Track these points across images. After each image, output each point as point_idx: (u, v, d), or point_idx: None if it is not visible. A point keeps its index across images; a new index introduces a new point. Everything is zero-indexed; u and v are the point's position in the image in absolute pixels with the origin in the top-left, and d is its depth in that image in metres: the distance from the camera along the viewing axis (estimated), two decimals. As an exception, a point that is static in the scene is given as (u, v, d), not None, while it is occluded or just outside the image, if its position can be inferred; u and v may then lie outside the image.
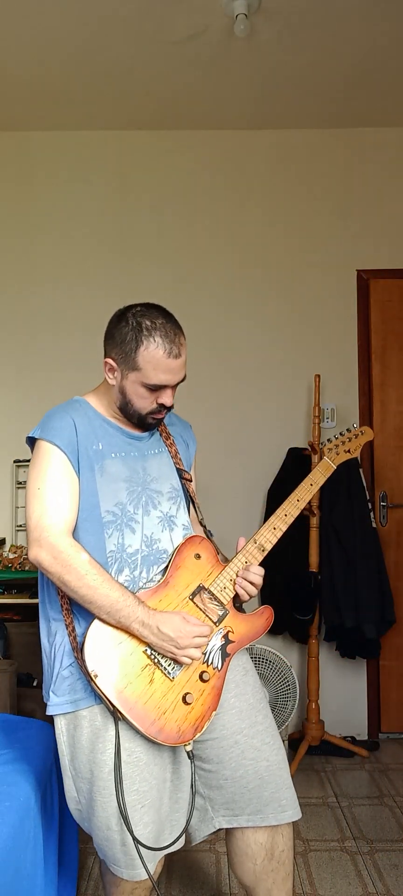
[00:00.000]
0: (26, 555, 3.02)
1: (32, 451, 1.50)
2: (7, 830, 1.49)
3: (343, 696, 3.29)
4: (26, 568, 2.96)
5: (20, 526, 3.30)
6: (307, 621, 3.02)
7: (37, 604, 3.04)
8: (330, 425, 3.34)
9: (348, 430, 1.87)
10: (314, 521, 3.05)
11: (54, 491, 1.41)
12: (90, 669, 1.35)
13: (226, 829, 1.52)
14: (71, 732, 1.44)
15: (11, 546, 3.19)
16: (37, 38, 2.73)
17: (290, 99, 3.20)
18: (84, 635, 1.39)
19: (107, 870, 1.52)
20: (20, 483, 3.32)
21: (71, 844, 1.97)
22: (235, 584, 1.50)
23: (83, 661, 1.36)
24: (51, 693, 1.45)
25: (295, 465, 3.21)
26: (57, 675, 1.44)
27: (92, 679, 1.34)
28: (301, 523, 3.13)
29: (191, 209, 3.45)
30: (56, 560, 1.36)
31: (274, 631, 3.24)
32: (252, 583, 1.49)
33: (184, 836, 1.46)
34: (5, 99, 3.16)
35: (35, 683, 2.64)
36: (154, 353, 1.43)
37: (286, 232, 3.44)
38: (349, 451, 1.84)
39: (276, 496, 3.27)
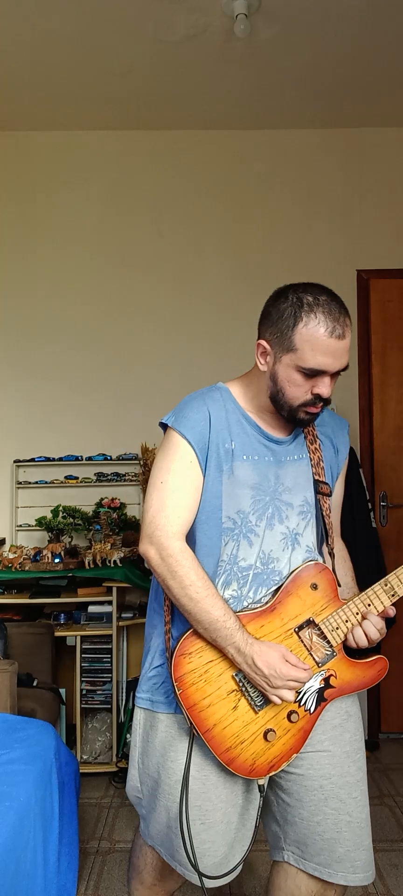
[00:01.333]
0: (26, 554, 3.03)
1: (164, 436, 1.40)
2: (7, 831, 1.49)
3: (343, 696, 3.28)
4: (26, 568, 2.96)
5: (20, 526, 3.30)
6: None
7: (36, 604, 3.05)
8: (330, 425, 3.33)
9: None
10: (314, 521, 3.05)
11: (176, 489, 1.31)
12: (175, 678, 1.29)
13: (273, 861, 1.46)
14: (147, 729, 1.41)
15: (11, 546, 3.19)
16: (37, 38, 2.73)
17: (290, 99, 3.20)
18: (177, 641, 1.32)
19: (136, 854, 1.52)
20: (20, 483, 3.32)
21: (71, 844, 1.97)
22: (349, 627, 1.34)
23: (171, 668, 1.31)
24: (139, 686, 1.44)
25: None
26: (145, 671, 1.42)
27: (175, 689, 1.30)
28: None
29: (190, 209, 3.45)
30: (163, 562, 1.29)
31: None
32: (367, 634, 1.33)
33: (241, 865, 1.40)
34: (5, 99, 3.16)
35: (35, 683, 2.64)
36: (314, 332, 1.24)
37: (286, 232, 3.44)
38: None
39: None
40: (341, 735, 1.38)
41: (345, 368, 1.30)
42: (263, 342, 1.35)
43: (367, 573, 3.19)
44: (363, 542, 3.06)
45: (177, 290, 3.39)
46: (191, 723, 1.29)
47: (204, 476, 1.33)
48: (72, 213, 3.44)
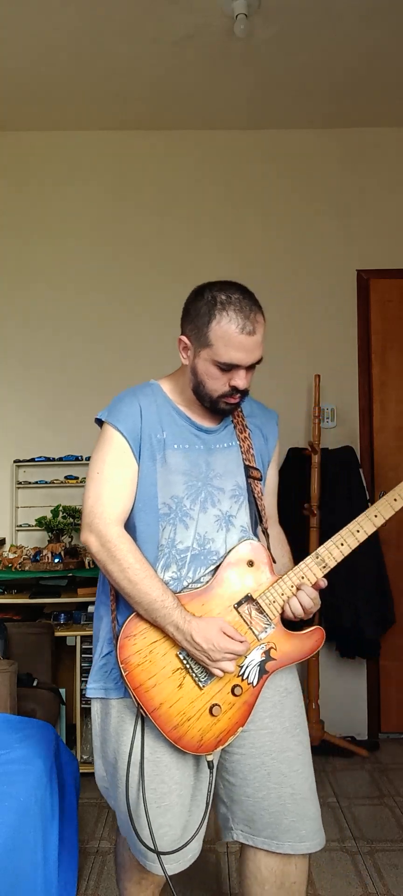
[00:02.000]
0: (26, 554, 3.03)
1: (100, 431, 1.48)
2: (7, 831, 1.49)
3: (343, 696, 3.29)
4: (26, 568, 2.96)
5: (20, 526, 3.30)
6: (307, 621, 3.02)
7: (36, 604, 3.05)
8: (330, 425, 3.34)
9: None
10: (314, 521, 3.05)
11: (112, 478, 1.39)
12: (121, 661, 1.34)
13: (241, 847, 1.50)
14: (103, 717, 1.46)
15: (11, 546, 3.19)
16: (37, 38, 2.73)
17: (290, 99, 3.20)
18: (122, 625, 1.38)
19: (120, 852, 1.54)
20: (20, 483, 3.32)
21: (71, 844, 1.97)
22: (286, 600, 1.40)
23: (116, 652, 1.36)
24: (90, 677, 1.48)
25: (296, 466, 3.21)
26: (96, 661, 1.47)
27: (121, 671, 1.34)
28: (301, 523, 3.15)
29: (190, 209, 3.45)
30: (103, 548, 1.36)
31: (274, 631, 3.24)
32: (302, 604, 1.39)
33: (199, 844, 1.44)
34: (5, 99, 3.16)
35: (35, 683, 2.64)
36: (226, 328, 1.35)
37: (285, 232, 3.44)
38: None
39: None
40: (281, 712, 1.45)
41: (259, 362, 1.41)
42: (184, 338, 1.44)
43: (367, 573, 3.22)
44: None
45: (177, 290, 3.35)
46: (138, 703, 1.33)
47: (138, 465, 1.41)
48: (72, 213, 3.44)
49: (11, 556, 3.05)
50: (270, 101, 3.22)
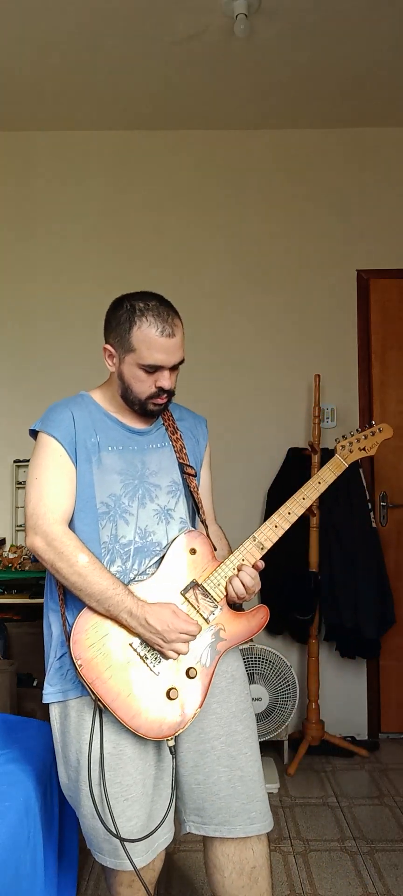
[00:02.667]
0: (26, 554, 3.03)
1: (35, 443, 1.54)
2: (7, 830, 1.49)
3: (343, 696, 3.29)
4: (26, 568, 2.96)
5: (20, 526, 3.31)
6: (307, 621, 3.02)
7: (37, 604, 3.05)
8: (330, 425, 3.34)
9: (366, 426, 1.77)
10: (314, 521, 3.05)
11: (51, 480, 1.45)
12: (75, 657, 1.36)
13: (203, 839, 1.52)
14: (62, 721, 1.47)
15: (11, 546, 3.19)
16: (37, 38, 2.73)
17: (290, 99, 3.20)
18: (72, 624, 1.41)
19: None
20: (20, 483, 3.32)
21: (71, 844, 1.97)
22: (229, 581, 1.47)
23: (70, 648, 1.38)
24: (45, 683, 1.49)
25: (295, 465, 3.21)
26: (51, 664, 1.48)
27: (76, 667, 1.36)
28: (301, 523, 3.14)
29: (190, 209, 3.45)
30: (49, 547, 1.39)
31: (274, 631, 3.25)
32: (243, 583, 1.45)
33: (168, 832, 1.47)
34: (5, 99, 3.16)
35: (35, 683, 2.64)
36: (147, 332, 1.45)
37: (286, 232, 3.44)
38: (364, 448, 1.74)
39: (276, 496, 3.27)
40: (228, 697, 1.50)
41: (182, 362, 1.50)
42: (108, 346, 1.53)
43: (367, 573, 3.23)
44: (363, 543, 3.06)
45: (177, 290, 3.36)
46: (95, 697, 1.35)
47: (75, 468, 1.47)
48: (72, 213, 3.44)
49: (11, 556, 3.05)
50: (270, 101, 3.22)
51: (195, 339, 3.41)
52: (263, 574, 1.51)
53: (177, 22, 2.65)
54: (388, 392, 3.40)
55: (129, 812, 1.40)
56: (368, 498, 3.14)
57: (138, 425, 1.57)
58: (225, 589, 1.47)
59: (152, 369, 1.46)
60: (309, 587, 3.02)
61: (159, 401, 1.50)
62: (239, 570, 1.47)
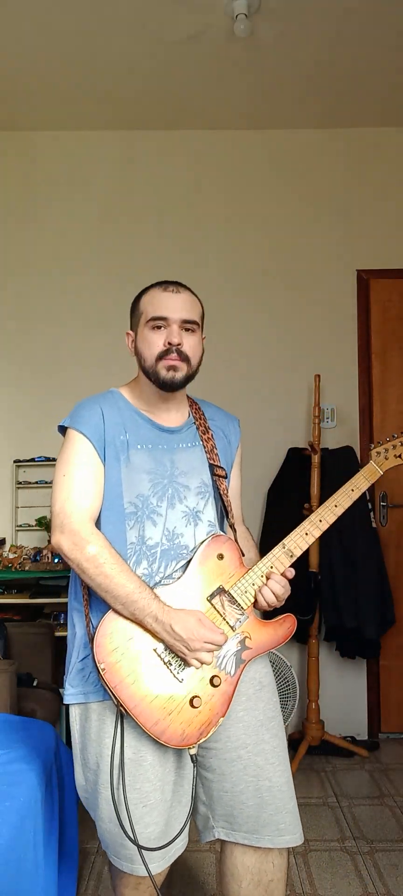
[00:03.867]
0: (26, 554, 3.03)
1: (63, 439, 1.53)
2: (7, 830, 1.49)
3: (344, 696, 3.29)
4: (26, 568, 2.96)
5: (20, 526, 3.30)
6: (307, 621, 3.02)
7: (37, 604, 3.05)
8: (330, 425, 3.34)
9: (402, 433, 1.72)
10: (314, 521, 3.05)
11: (79, 478, 1.42)
12: (98, 661, 1.34)
13: (220, 844, 1.50)
14: (82, 723, 1.45)
15: (11, 546, 3.19)
16: (37, 38, 2.73)
17: (290, 99, 3.20)
18: (97, 627, 1.39)
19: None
20: (20, 483, 3.32)
21: (71, 844, 1.97)
22: (257, 589, 1.43)
23: (93, 652, 1.36)
24: (67, 683, 1.47)
25: (296, 465, 3.21)
26: (73, 666, 1.46)
27: (99, 671, 1.34)
28: (301, 523, 3.14)
29: (190, 209, 3.45)
30: (76, 546, 1.37)
31: (274, 631, 3.24)
32: (273, 592, 1.41)
33: (184, 840, 1.45)
34: (6, 99, 3.16)
35: (35, 683, 2.64)
36: (151, 293, 1.50)
37: (286, 232, 3.44)
38: (400, 455, 1.70)
39: (276, 496, 3.27)
40: (255, 705, 1.46)
41: (193, 323, 1.49)
42: (128, 332, 1.58)
43: (367, 574, 3.22)
44: (363, 543, 3.06)
45: (177, 290, 3.39)
46: (117, 701, 1.33)
47: (103, 466, 1.44)
48: (72, 213, 3.44)
49: (11, 556, 3.05)
50: (270, 100, 3.22)
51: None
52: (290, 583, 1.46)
53: (177, 22, 2.65)
54: (388, 392, 3.40)
55: (147, 818, 1.38)
56: (368, 498, 3.14)
57: (168, 423, 1.54)
58: (254, 597, 1.43)
59: (159, 323, 1.46)
60: (309, 587, 3.02)
61: (170, 360, 1.46)
62: (267, 578, 1.43)
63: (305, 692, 3.09)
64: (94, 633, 1.37)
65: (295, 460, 3.23)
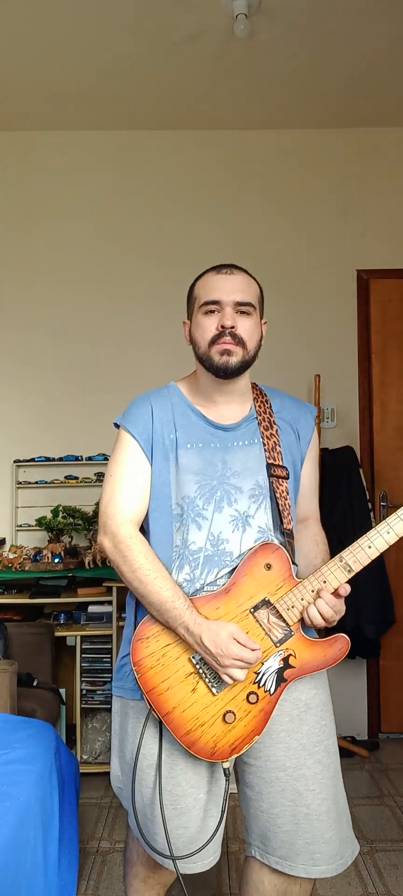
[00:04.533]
0: (26, 554, 3.02)
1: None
2: (7, 830, 1.49)
3: (343, 696, 3.28)
4: (26, 568, 2.96)
5: (20, 526, 3.30)
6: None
7: (37, 604, 3.05)
8: (330, 425, 3.34)
9: None
10: (314, 521, 3.05)
11: (124, 479, 1.41)
12: (134, 663, 1.33)
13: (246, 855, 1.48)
14: (122, 716, 1.44)
15: (11, 546, 3.19)
16: (37, 38, 2.73)
17: (290, 99, 3.20)
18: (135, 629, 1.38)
19: (129, 847, 1.54)
20: (20, 483, 3.32)
21: (71, 844, 1.97)
22: (305, 605, 1.33)
23: (131, 653, 1.35)
24: (114, 675, 1.48)
25: (295, 465, 3.21)
26: (118, 660, 1.47)
27: (134, 674, 1.33)
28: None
29: (190, 209, 3.45)
30: (116, 549, 1.37)
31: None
32: (320, 612, 1.32)
33: (216, 852, 1.40)
34: (6, 99, 3.16)
35: (35, 683, 2.64)
36: (204, 278, 1.47)
37: (286, 232, 3.44)
38: None
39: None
40: (298, 727, 1.39)
41: (249, 305, 1.43)
42: (184, 321, 1.54)
43: (367, 574, 3.21)
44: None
45: (177, 290, 3.36)
46: (150, 706, 1.32)
47: (151, 466, 1.42)
48: (72, 213, 3.44)
49: (11, 556, 3.05)
50: (270, 101, 3.22)
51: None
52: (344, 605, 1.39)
53: (177, 22, 2.65)
54: (388, 392, 3.39)
55: (177, 821, 1.35)
56: (368, 498, 3.14)
57: (224, 421, 1.47)
58: (301, 613, 1.34)
59: (212, 307, 1.41)
60: (309, 587, 3.02)
61: (224, 344, 1.40)
62: (319, 594, 1.33)
63: (305, 692, 3.09)
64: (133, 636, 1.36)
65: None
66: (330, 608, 1.33)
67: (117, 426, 1.49)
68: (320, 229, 3.44)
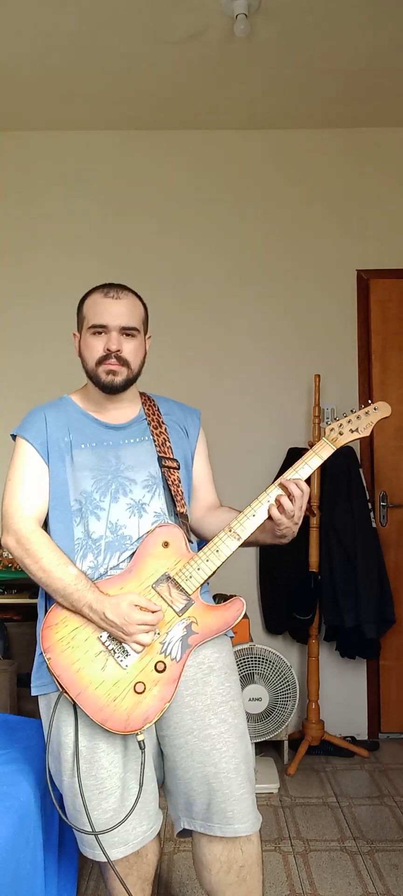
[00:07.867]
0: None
1: None
2: (7, 831, 1.49)
3: (344, 696, 3.29)
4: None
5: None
6: (307, 621, 3.02)
7: (36, 604, 3.05)
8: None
9: (361, 406, 1.62)
10: (314, 521, 3.05)
11: (22, 481, 1.51)
12: (44, 651, 1.39)
13: (192, 834, 1.50)
14: (47, 713, 1.49)
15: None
16: (37, 38, 2.73)
17: (290, 99, 3.20)
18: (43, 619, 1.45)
19: None
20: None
21: (71, 844, 1.97)
22: (202, 576, 1.44)
23: (41, 640, 1.41)
24: (33, 675, 1.53)
25: (295, 465, 3.20)
26: (37, 657, 1.51)
27: (45, 661, 1.38)
28: (301, 523, 3.14)
29: (190, 209, 3.45)
30: (19, 544, 1.46)
31: (274, 631, 3.25)
32: (291, 494, 1.48)
33: (147, 826, 1.44)
34: (6, 99, 3.16)
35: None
36: (93, 298, 1.58)
37: (286, 232, 3.44)
38: (356, 430, 1.58)
39: (276, 496, 3.27)
40: (203, 689, 1.46)
41: (133, 329, 1.56)
42: (74, 332, 1.65)
43: (367, 573, 3.22)
44: (363, 543, 3.06)
45: (177, 290, 3.39)
46: (61, 688, 1.37)
47: (48, 468, 1.53)
48: (71, 213, 3.44)
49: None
50: (270, 101, 3.22)
51: (195, 340, 3.42)
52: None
53: (177, 22, 2.65)
54: (388, 392, 3.39)
55: (105, 805, 1.40)
56: (368, 498, 3.14)
57: (116, 421, 1.61)
58: (199, 582, 1.43)
59: (99, 329, 1.53)
60: (309, 587, 3.02)
61: (109, 365, 1.53)
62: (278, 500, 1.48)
63: (305, 692, 3.09)
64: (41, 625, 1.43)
65: (295, 460, 3.22)
66: (297, 489, 1.52)
67: (14, 437, 1.60)
68: (320, 229, 3.44)
